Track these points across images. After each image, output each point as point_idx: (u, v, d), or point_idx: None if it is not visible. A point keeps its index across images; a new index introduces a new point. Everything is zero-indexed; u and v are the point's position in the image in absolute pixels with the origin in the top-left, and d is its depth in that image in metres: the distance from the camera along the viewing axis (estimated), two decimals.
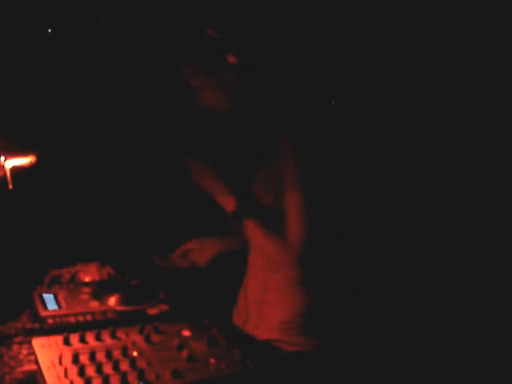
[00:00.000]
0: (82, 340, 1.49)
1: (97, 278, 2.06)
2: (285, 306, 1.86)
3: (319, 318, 1.87)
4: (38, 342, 1.47)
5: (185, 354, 1.45)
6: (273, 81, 1.84)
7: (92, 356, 1.40)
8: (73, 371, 1.34)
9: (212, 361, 1.44)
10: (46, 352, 1.42)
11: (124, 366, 1.38)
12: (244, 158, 1.94)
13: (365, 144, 2.87)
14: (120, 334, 1.55)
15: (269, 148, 1.81)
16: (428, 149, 2.94)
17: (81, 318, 1.71)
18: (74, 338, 1.49)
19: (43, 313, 1.72)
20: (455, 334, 2.75)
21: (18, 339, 1.64)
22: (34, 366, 1.42)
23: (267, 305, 1.88)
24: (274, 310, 1.87)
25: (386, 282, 2.79)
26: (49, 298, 1.83)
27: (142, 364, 1.40)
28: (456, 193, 2.89)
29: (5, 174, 1.94)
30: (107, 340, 1.51)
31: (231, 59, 1.75)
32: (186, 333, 1.59)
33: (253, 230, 1.83)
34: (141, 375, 1.33)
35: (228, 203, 1.84)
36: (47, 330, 1.62)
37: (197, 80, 1.82)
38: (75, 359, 1.39)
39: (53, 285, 1.96)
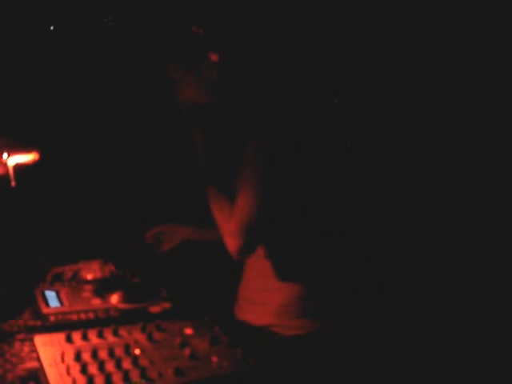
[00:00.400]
0: (85, 338, 1.49)
1: (99, 275, 2.05)
2: (283, 290, 1.87)
3: (316, 299, 1.88)
4: (40, 340, 1.47)
5: (187, 352, 1.45)
6: (251, 80, 1.87)
7: (94, 354, 1.40)
8: (75, 369, 1.33)
9: (214, 359, 1.43)
10: (48, 349, 1.42)
11: (126, 363, 1.37)
12: (226, 148, 1.97)
13: (362, 143, 2.88)
14: (122, 331, 1.54)
15: (244, 141, 1.84)
16: (426, 148, 2.94)
17: (83, 316, 1.71)
18: (76, 336, 1.49)
19: (45, 310, 1.72)
20: (455, 321, 2.76)
21: (20, 336, 1.63)
22: (36, 364, 1.41)
23: (266, 291, 1.89)
24: (274, 295, 1.87)
25: (385, 266, 2.79)
26: (51, 295, 1.83)
27: (144, 362, 1.40)
28: (454, 192, 2.89)
29: (8, 171, 1.94)
30: (109, 338, 1.51)
31: (214, 57, 1.77)
32: (189, 331, 1.58)
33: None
34: (143, 373, 1.33)
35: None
36: (49, 328, 1.62)
37: (178, 75, 1.86)
38: (77, 357, 1.39)
39: (55, 282, 1.96)
